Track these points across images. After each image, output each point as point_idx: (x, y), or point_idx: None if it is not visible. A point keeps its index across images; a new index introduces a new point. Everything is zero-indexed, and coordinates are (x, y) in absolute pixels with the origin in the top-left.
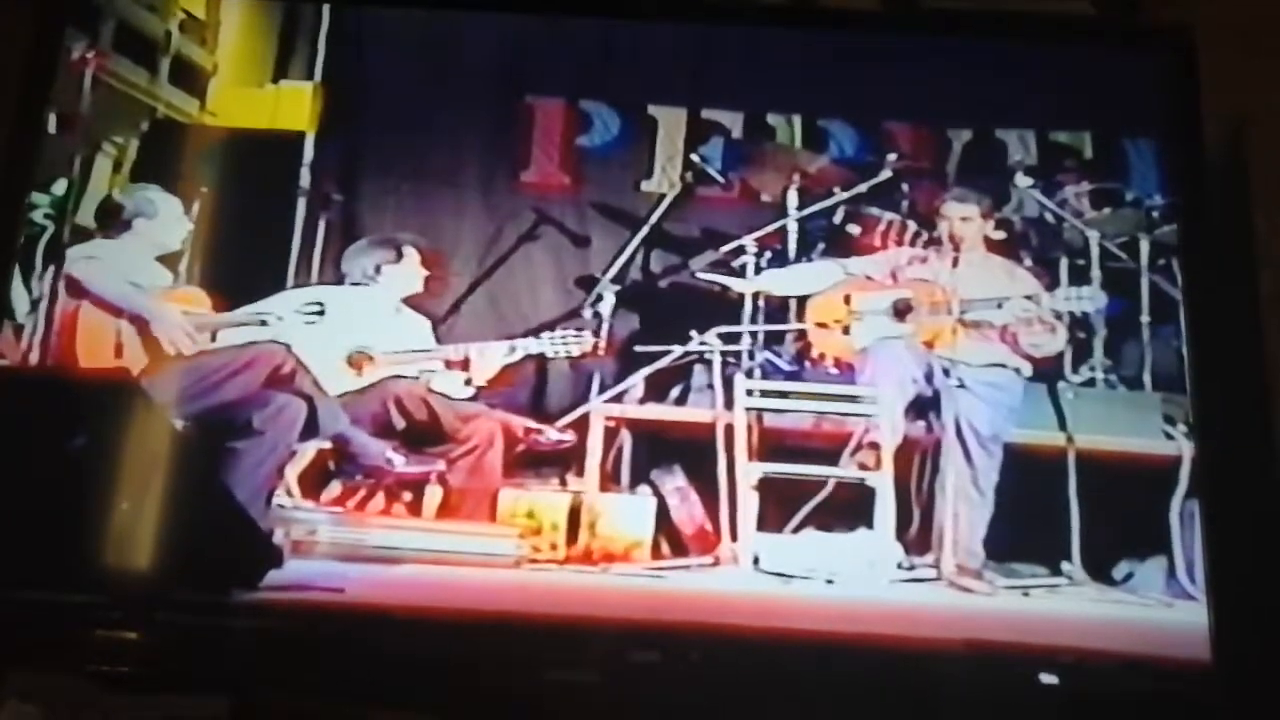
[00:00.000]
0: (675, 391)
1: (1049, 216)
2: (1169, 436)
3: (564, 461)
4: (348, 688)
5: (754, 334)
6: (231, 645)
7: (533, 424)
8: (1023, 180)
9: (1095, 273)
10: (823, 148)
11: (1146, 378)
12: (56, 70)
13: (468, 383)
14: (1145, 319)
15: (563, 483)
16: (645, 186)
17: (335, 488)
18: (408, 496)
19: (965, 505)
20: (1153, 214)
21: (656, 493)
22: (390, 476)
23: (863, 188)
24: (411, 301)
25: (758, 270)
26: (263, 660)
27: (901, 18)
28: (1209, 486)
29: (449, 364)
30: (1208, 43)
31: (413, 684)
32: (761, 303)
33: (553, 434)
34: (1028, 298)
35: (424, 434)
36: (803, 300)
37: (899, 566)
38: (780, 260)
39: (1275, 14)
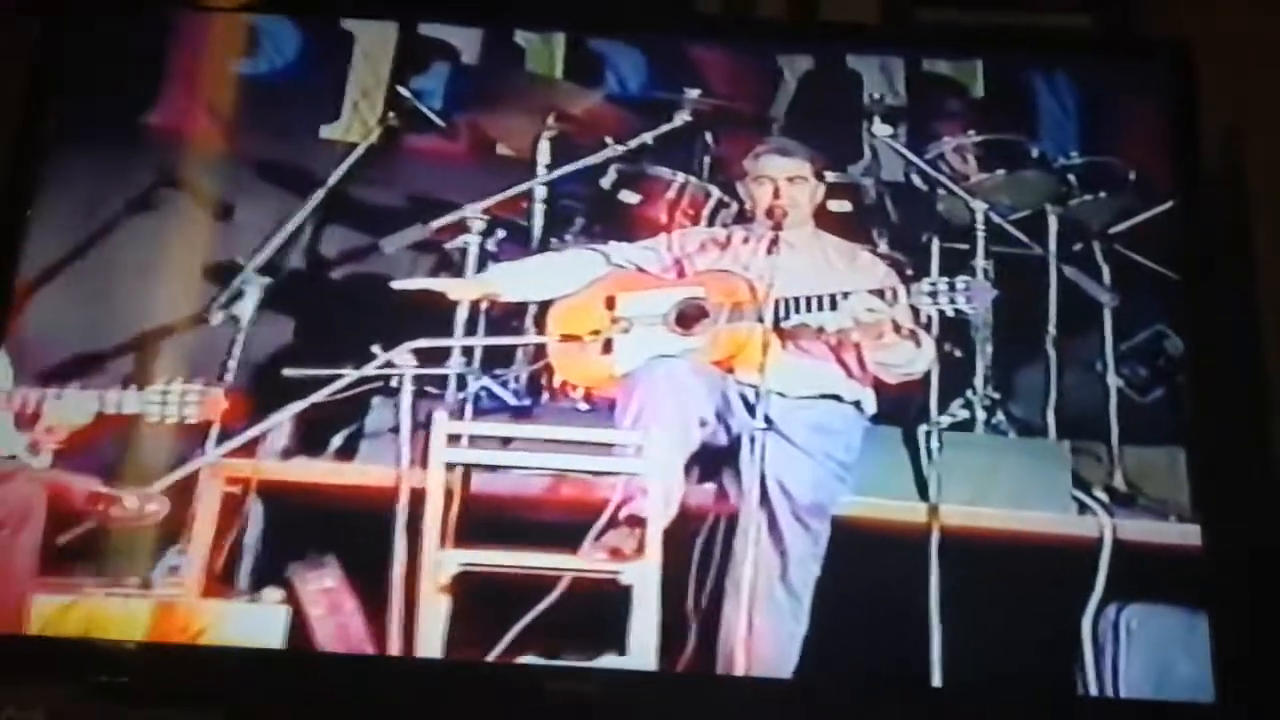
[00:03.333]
0: (339, 439)
1: (917, 180)
2: (1083, 507)
3: (152, 547)
4: None
5: (468, 351)
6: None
7: (104, 488)
8: (881, 128)
9: (980, 261)
10: (594, 80)
11: (1050, 417)
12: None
13: (33, 447)
14: (1052, 330)
15: (144, 583)
16: (328, 133)
17: None
18: None
19: (769, 613)
20: (1068, 178)
21: (291, 597)
22: None
23: (647, 138)
24: None
25: (484, 260)
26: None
27: (900, 30)
28: (1220, 579)
29: (16, 417)
30: (1204, 55)
31: None
32: (485, 306)
33: (135, 502)
34: (878, 294)
35: None
36: (545, 304)
37: None
38: (519, 242)
39: (1269, 26)
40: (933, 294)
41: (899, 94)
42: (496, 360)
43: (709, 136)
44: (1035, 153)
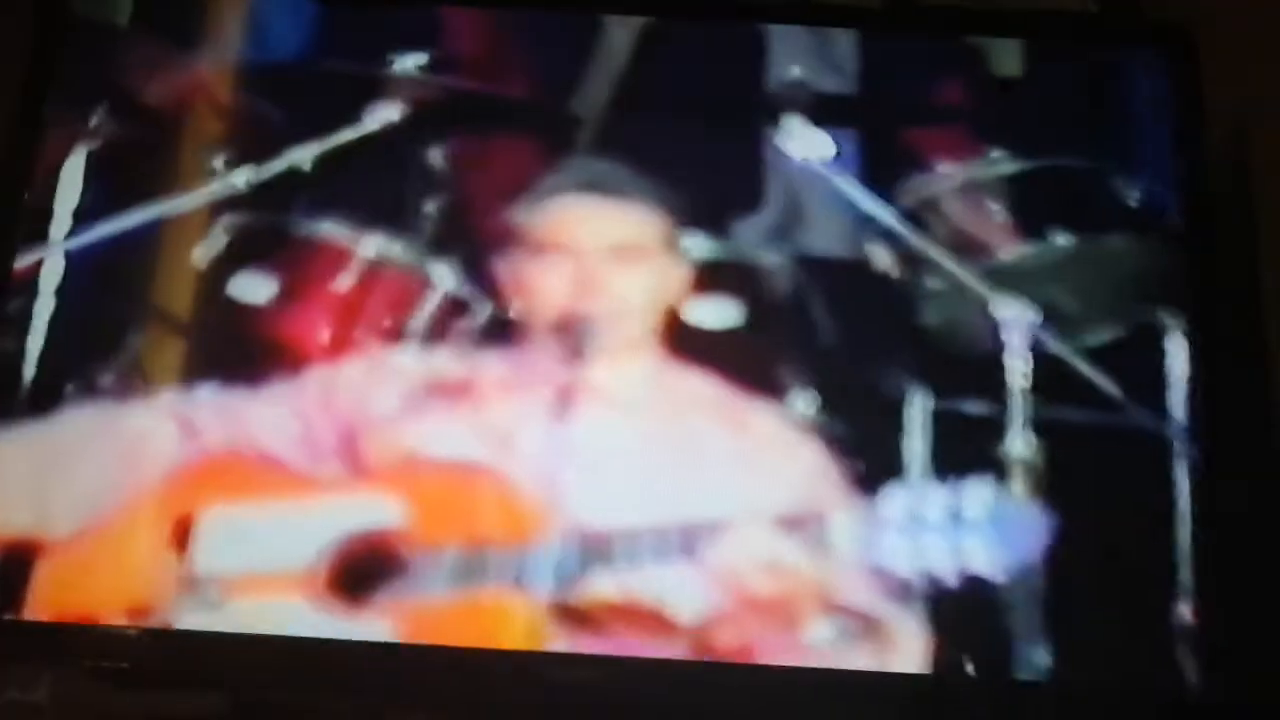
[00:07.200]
0: None
1: (879, 254)
2: None
3: None
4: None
5: None
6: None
7: None
8: (804, 140)
9: (1019, 444)
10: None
11: None
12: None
13: None
14: (1182, 611)
15: None
16: None
17: None
18: None
19: None
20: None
21: None
22: None
23: (303, 157)
24: None
25: None
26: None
27: (902, 16)
28: None
29: None
30: (1210, 42)
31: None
32: None
33: None
34: (792, 524)
35: None
36: (30, 545)
37: None
38: None
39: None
40: (912, 526)
41: (849, 72)
42: None
43: (438, 154)
44: (1134, 197)
